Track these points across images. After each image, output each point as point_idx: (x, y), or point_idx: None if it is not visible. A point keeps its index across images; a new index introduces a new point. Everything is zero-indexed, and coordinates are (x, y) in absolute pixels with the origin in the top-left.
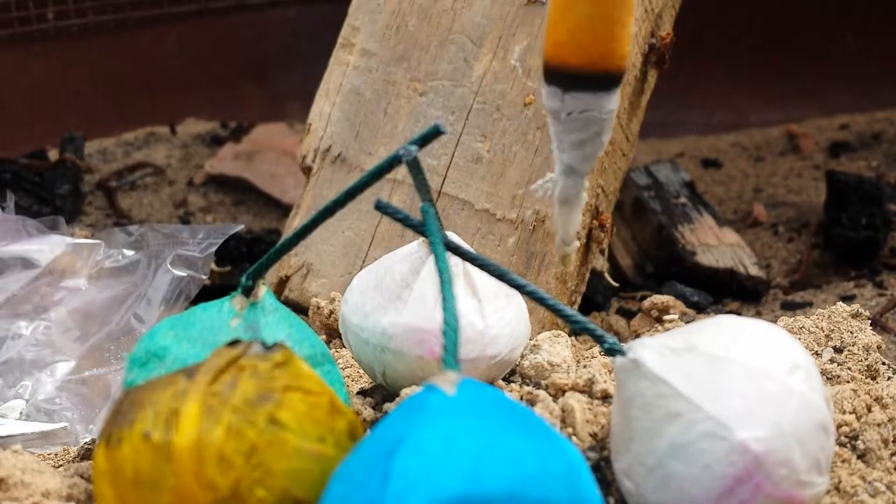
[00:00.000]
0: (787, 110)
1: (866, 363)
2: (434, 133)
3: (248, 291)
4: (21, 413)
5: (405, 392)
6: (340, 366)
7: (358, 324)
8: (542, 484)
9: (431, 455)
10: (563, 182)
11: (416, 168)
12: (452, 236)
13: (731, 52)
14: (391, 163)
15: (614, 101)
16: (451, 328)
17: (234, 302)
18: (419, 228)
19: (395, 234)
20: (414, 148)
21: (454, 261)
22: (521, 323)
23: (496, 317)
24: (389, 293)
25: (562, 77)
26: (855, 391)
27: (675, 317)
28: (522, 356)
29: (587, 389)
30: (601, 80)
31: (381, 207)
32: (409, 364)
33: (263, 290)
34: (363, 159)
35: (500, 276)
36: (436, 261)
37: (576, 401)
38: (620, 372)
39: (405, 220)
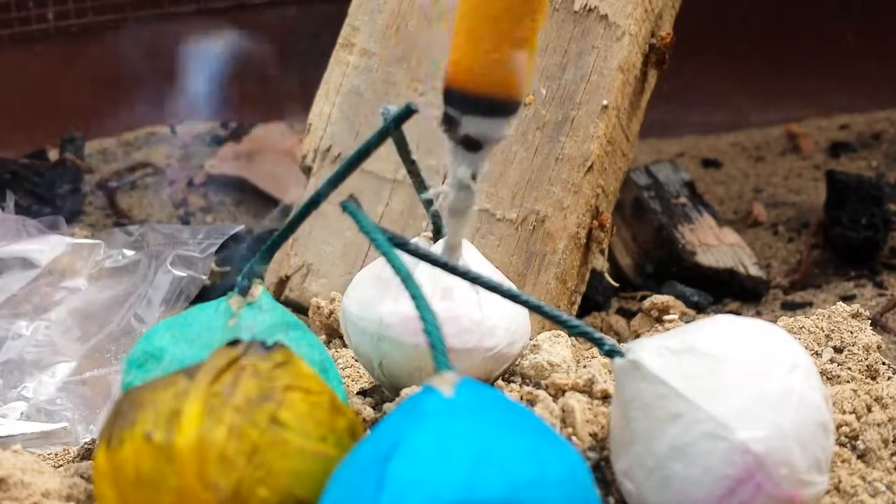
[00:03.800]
0: (787, 110)
1: (866, 363)
2: (407, 113)
3: (244, 291)
4: (22, 413)
5: (405, 392)
6: (340, 366)
7: (357, 314)
8: (539, 489)
9: (426, 461)
10: (454, 195)
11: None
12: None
13: (731, 52)
14: (368, 147)
15: (507, 128)
16: (431, 324)
17: (231, 302)
18: (407, 247)
19: None
20: (407, 106)
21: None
22: (519, 317)
23: (494, 308)
24: (388, 283)
25: (460, 101)
26: (855, 391)
27: (675, 317)
28: (522, 356)
29: (587, 389)
30: (497, 107)
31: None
32: (405, 353)
33: (260, 290)
34: None
35: (492, 289)
36: (387, 260)
37: (576, 401)
38: (620, 373)
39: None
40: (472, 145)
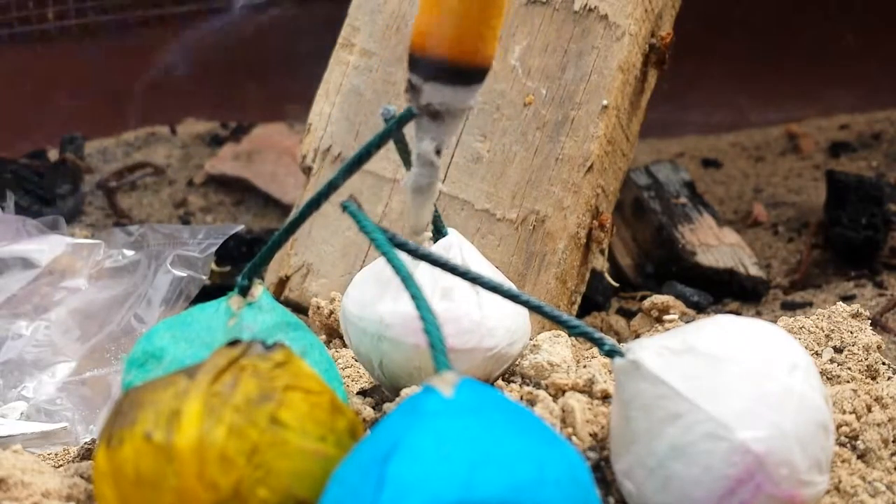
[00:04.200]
0: (787, 110)
1: (866, 363)
2: (408, 116)
3: (244, 291)
4: (22, 413)
5: (405, 392)
6: (340, 366)
7: (357, 314)
8: (538, 490)
9: (426, 461)
10: (417, 171)
11: (401, 143)
12: (454, 234)
13: (731, 52)
14: (369, 149)
15: (472, 97)
16: (431, 324)
17: (231, 302)
18: (405, 246)
19: None
20: (397, 109)
21: (454, 251)
22: (519, 317)
23: (494, 308)
24: (388, 283)
25: (423, 66)
26: (855, 391)
27: (675, 317)
28: (522, 356)
29: (587, 389)
30: (461, 74)
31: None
32: (405, 353)
33: (260, 290)
34: None
35: (492, 289)
36: (387, 260)
37: (576, 401)
38: (620, 373)
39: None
40: (435, 115)
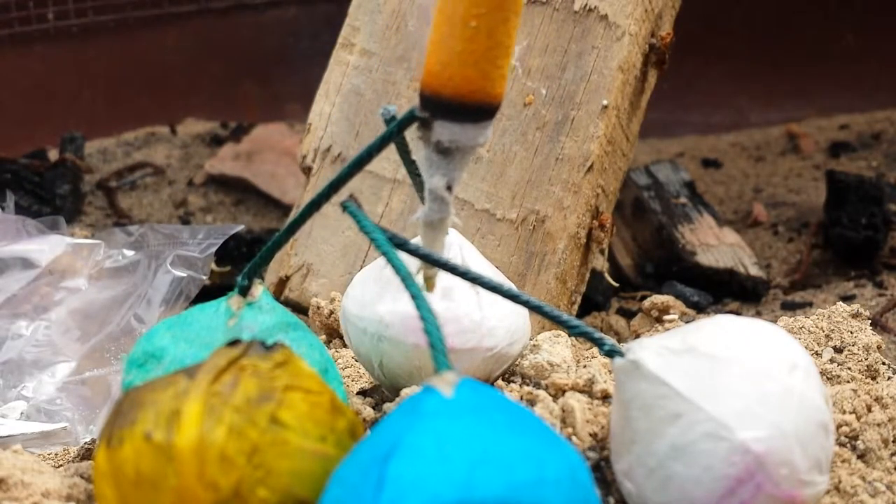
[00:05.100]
0: (787, 110)
1: (866, 363)
2: (410, 119)
3: (244, 291)
4: (21, 413)
5: (405, 392)
6: (340, 366)
7: (357, 314)
8: (538, 490)
9: (426, 461)
10: (428, 206)
11: (403, 149)
12: (454, 234)
13: (731, 52)
14: (370, 151)
15: (482, 135)
16: (431, 324)
17: (231, 302)
18: (407, 246)
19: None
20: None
21: (454, 251)
22: (519, 318)
23: (494, 308)
24: (388, 283)
25: (431, 105)
26: (855, 391)
27: (675, 317)
28: (522, 356)
29: (587, 389)
30: (469, 112)
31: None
32: (405, 352)
33: (260, 290)
34: None
35: (492, 289)
36: (387, 260)
37: (576, 401)
38: (620, 373)
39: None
40: (445, 152)
